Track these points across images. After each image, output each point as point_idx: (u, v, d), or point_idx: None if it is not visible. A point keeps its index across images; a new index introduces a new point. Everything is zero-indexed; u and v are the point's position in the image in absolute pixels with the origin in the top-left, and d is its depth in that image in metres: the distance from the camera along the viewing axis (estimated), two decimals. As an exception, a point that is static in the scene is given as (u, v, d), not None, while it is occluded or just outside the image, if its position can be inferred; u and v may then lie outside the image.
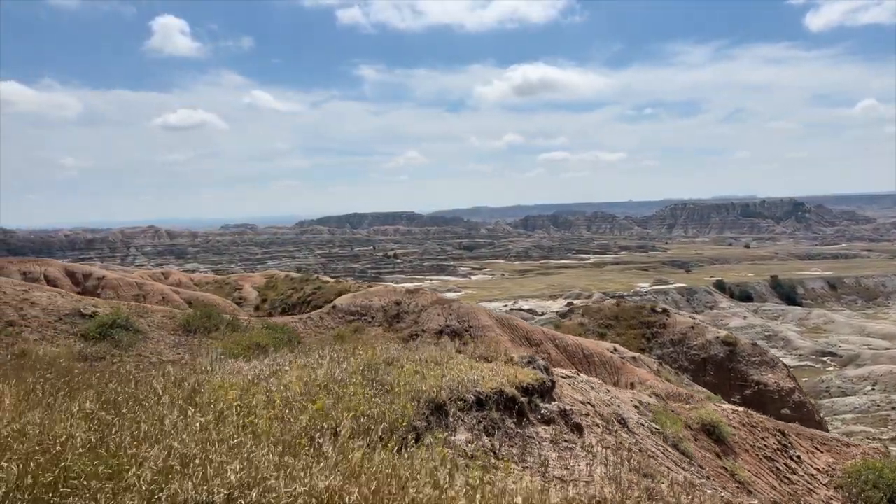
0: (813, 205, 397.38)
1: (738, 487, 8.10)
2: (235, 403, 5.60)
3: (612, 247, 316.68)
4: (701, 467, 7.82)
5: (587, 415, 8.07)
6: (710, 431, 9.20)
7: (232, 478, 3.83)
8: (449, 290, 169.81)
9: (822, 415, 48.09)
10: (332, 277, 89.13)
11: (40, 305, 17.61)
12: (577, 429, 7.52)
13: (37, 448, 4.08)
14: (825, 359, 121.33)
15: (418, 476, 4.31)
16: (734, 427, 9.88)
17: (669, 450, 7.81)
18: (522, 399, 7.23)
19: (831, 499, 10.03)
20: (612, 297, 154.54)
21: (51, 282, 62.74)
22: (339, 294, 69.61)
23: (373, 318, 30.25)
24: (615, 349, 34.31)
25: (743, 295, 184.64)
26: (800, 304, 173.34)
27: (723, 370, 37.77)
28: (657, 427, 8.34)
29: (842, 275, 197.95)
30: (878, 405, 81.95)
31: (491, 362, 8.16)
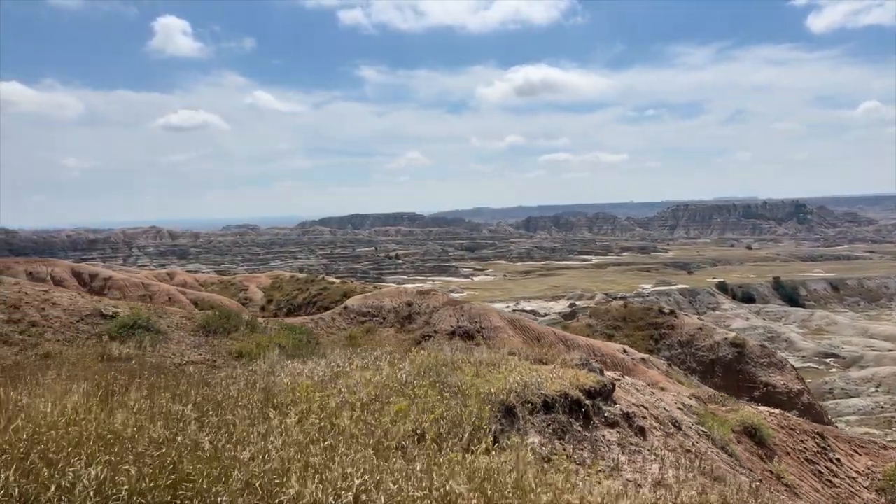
0: (814, 206, 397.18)
1: (786, 491, 8.09)
2: (315, 405, 5.62)
3: (613, 248, 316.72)
4: (750, 470, 7.83)
5: (644, 417, 8.10)
6: (752, 434, 9.19)
7: (356, 480, 3.84)
8: (451, 292, 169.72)
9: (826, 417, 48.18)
10: (337, 278, 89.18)
11: (61, 306, 17.68)
12: (641, 432, 7.57)
13: (142, 450, 4.08)
14: (828, 360, 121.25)
15: (526, 479, 4.33)
16: (773, 429, 9.88)
17: (720, 453, 7.83)
18: (587, 402, 7.27)
19: (874, 502, 10.02)
20: (615, 299, 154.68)
21: (57, 282, 62.88)
22: (345, 295, 69.78)
23: (384, 319, 30.32)
24: (624, 350, 34.36)
25: (745, 296, 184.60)
26: (802, 306, 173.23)
27: (731, 372, 37.76)
28: (704, 429, 8.36)
29: (844, 276, 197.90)
30: (882, 407, 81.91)
31: (547, 364, 8.18)
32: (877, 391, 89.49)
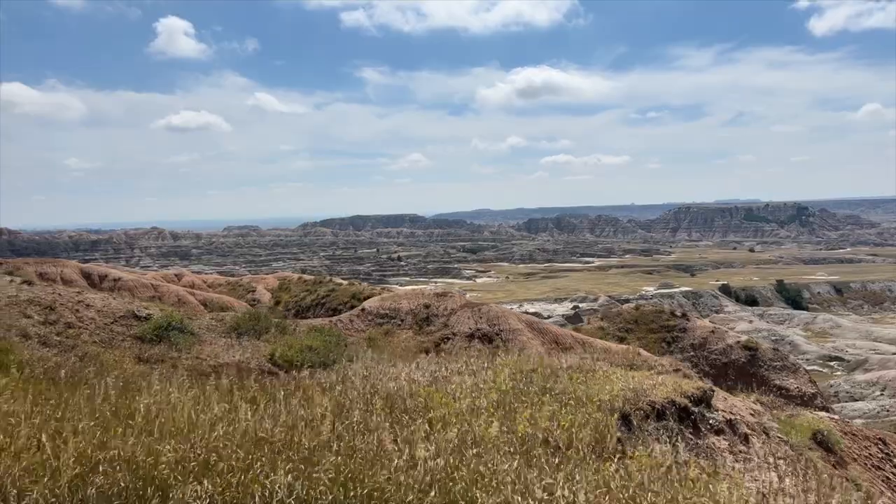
0: (816, 209, 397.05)
1: (866, 500, 8.08)
2: (444, 411, 5.63)
3: (616, 250, 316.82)
4: (830, 477, 7.81)
5: (744, 424, 8.09)
6: (820, 440, 9.17)
7: (540, 493, 3.84)
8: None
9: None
10: (343, 280, 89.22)
11: (95, 307, 17.74)
12: (745, 439, 7.59)
13: (306, 455, 4.07)
14: (832, 363, 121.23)
15: (676, 489, 4.35)
16: (839, 435, 9.84)
17: (800, 459, 7.84)
18: (695, 409, 7.30)
19: (946, 509, 10.02)
20: (619, 301, 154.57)
21: (67, 283, 62.85)
22: (354, 297, 69.73)
23: (402, 321, 30.32)
24: (639, 353, 34.17)
25: (748, 299, 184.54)
26: (806, 309, 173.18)
27: (744, 375, 37.62)
28: (781, 436, 8.36)
29: (848, 279, 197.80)
30: (888, 410, 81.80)
31: (635, 370, 8.22)
32: (882, 394, 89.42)
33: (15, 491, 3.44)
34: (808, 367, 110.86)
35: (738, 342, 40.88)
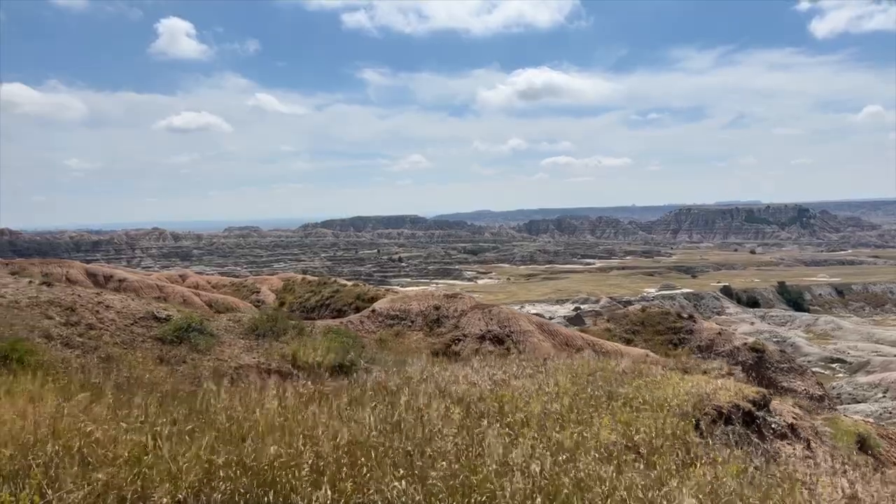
0: (817, 210, 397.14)
1: None
2: (521, 415, 5.61)
3: (616, 252, 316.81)
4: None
5: (803, 428, 8.10)
6: (861, 443, 9.18)
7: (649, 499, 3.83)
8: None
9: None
10: (347, 280, 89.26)
11: (114, 308, 17.79)
12: (807, 443, 7.59)
13: (411, 461, 4.05)
14: (834, 365, 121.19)
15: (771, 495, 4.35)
16: (877, 438, 9.89)
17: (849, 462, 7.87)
18: (759, 413, 7.30)
19: None
20: (620, 303, 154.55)
21: (72, 283, 62.76)
22: (358, 297, 69.86)
23: (412, 322, 30.33)
24: (647, 355, 34.23)
25: (750, 301, 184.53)
26: (807, 311, 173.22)
27: (752, 377, 37.59)
28: (830, 439, 8.37)
29: (849, 281, 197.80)
30: (891, 413, 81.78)
31: (689, 374, 8.19)
32: (884, 396, 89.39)
33: (137, 496, 3.46)
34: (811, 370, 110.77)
35: (745, 344, 40.92)
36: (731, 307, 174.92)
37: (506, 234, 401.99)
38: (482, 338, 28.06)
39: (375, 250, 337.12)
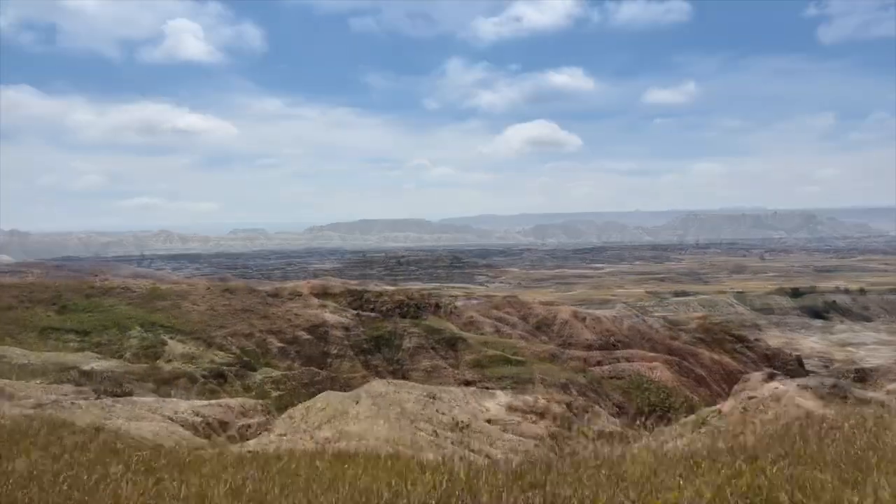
0: (825, 217, 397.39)
1: None
2: None
3: (626, 256, 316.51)
4: None
5: None
6: None
7: None
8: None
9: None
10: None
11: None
12: None
13: None
14: (853, 373, 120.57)
15: None
16: None
17: None
18: None
19: None
20: (636, 309, 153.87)
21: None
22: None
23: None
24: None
25: (764, 307, 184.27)
26: (822, 317, 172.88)
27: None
28: None
29: (864, 287, 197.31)
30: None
31: None
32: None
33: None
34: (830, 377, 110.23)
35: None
36: (746, 313, 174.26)
37: (513, 237, 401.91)
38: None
39: (382, 254, 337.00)
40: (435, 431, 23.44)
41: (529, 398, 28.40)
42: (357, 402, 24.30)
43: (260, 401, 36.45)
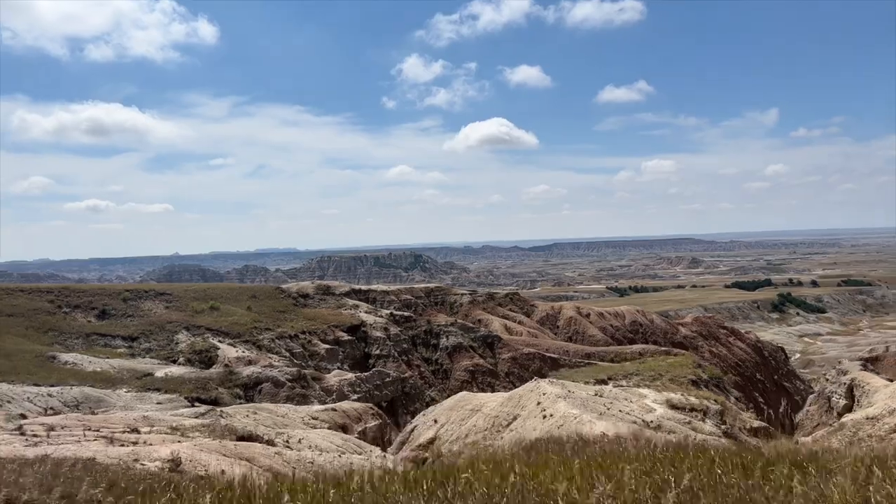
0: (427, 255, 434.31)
1: None
2: None
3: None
4: None
5: None
6: None
7: None
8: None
9: None
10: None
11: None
12: None
13: None
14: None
15: None
16: None
17: None
18: None
19: None
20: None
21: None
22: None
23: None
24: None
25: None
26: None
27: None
28: None
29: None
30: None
31: None
32: None
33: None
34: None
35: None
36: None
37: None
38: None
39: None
40: (636, 423, 23.34)
41: (675, 396, 28.58)
42: (549, 401, 23.99)
43: (367, 405, 35.71)
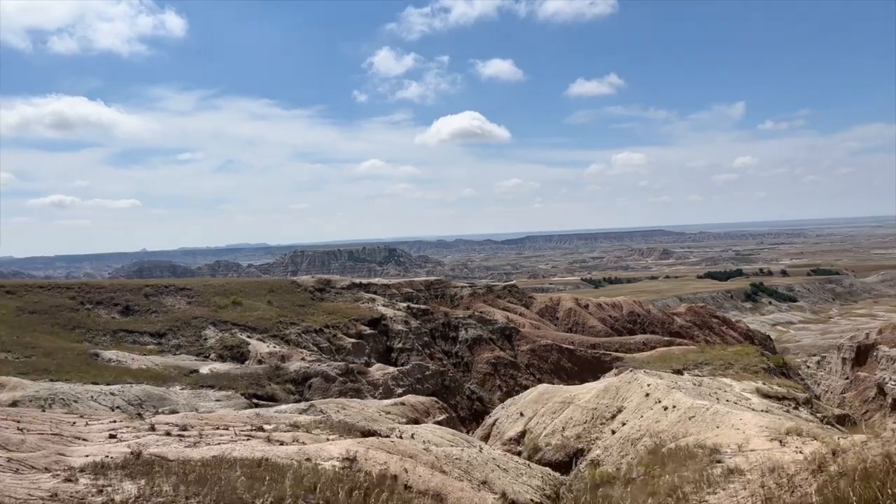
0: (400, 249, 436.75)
1: None
2: None
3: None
4: None
5: None
6: None
7: None
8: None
9: None
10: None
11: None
12: None
13: None
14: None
15: None
16: None
17: None
18: None
19: None
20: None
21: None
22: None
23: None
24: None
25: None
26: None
27: None
28: None
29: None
30: None
31: None
32: None
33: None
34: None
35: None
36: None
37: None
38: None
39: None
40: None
41: (761, 385, 28.85)
42: (661, 392, 23.91)
43: (432, 398, 35.26)
